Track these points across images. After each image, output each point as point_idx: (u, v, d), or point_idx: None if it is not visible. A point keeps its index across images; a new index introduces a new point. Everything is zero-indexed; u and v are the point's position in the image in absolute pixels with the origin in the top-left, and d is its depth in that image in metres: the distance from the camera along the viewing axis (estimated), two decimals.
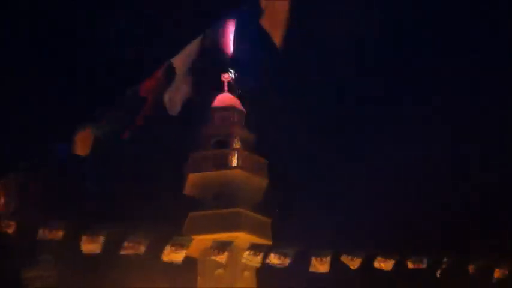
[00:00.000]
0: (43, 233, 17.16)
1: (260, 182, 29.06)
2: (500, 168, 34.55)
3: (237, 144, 29.05)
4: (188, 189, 29.10)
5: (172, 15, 37.54)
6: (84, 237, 17.53)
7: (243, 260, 18.85)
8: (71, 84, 39.12)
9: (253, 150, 29.49)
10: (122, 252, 18.23)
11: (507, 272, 20.62)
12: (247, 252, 19.28)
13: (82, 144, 14.45)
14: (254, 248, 19.17)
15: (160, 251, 18.54)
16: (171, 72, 13.25)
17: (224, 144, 29.21)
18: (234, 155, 28.72)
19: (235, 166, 28.48)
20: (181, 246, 18.55)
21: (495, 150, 36.00)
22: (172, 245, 18.58)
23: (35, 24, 39.36)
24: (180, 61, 13.13)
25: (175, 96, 13.24)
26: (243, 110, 30.41)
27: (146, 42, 38.58)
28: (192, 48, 13.07)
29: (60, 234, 17.44)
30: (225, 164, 28.48)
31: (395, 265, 20.34)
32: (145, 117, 13.73)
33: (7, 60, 34.83)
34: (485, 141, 36.53)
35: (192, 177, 28.73)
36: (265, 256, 18.73)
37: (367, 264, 20.21)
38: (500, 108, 36.55)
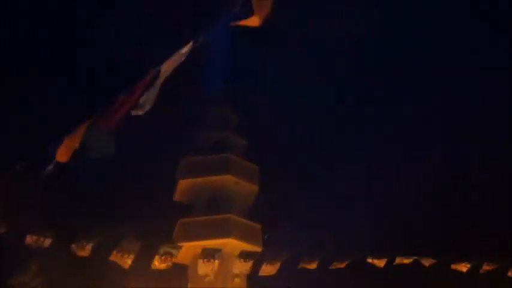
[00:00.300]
0: (31, 239, 17.07)
1: (251, 187, 28.77)
2: (500, 168, 34.48)
3: (228, 149, 28.92)
4: (178, 195, 28.84)
5: (172, 15, 37.53)
6: (73, 245, 17.44)
7: (234, 270, 18.81)
8: (71, 84, 39.17)
9: (244, 155, 29.38)
10: (111, 259, 18.22)
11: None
12: (236, 260, 19.32)
13: (66, 149, 14.09)
14: (244, 255, 19.16)
15: (151, 257, 18.56)
16: (158, 75, 13.14)
17: (216, 149, 29.02)
18: (225, 161, 28.42)
19: (226, 172, 28.15)
20: (170, 254, 18.56)
21: (495, 150, 35.94)
22: (161, 254, 18.58)
23: (35, 24, 39.41)
24: (169, 65, 13.02)
25: (149, 97, 13.05)
26: (236, 114, 30.31)
27: (146, 42, 38.59)
28: (182, 52, 12.96)
29: (48, 241, 17.33)
30: (215, 170, 28.15)
31: (387, 264, 20.32)
32: (120, 119, 13.51)
33: (7, 60, 34.88)
34: (485, 141, 36.48)
35: (182, 183, 28.42)
36: (255, 264, 18.76)
37: (358, 264, 20.22)
38: (500, 108, 36.49)
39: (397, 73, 39.74)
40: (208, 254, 19.41)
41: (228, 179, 28.14)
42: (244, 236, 26.73)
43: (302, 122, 36.89)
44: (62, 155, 13.86)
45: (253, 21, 11.22)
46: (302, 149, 37.42)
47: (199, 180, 28.13)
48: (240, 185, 28.32)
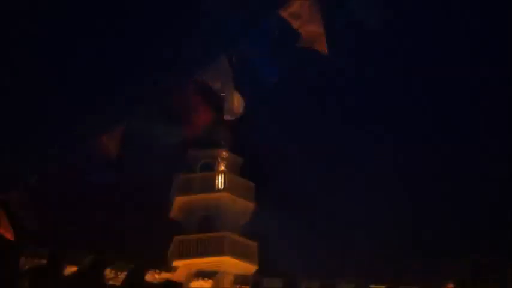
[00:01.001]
0: (25, 260, 16.96)
1: (247, 205, 28.82)
2: (500, 169, 34.40)
3: (223, 167, 28.98)
4: (174, 213, 28.92)
5: (173, 15, 37.46)
6: (67, 266, 17.42)
7: None
8: (70, 84, 39.20)
9: (240, 173, 29.43)
10: (105, 282, 18.28)
11: None
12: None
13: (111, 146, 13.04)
14: (239, 281, 19.23)
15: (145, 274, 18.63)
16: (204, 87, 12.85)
17: (211, 167, 29.04)
18: (221, 178, 28.53)
19: (222, 189, 28.27)
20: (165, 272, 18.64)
21: (495, 150, 35.89)
22: (156, 273, 18.66)
23: (35, 24, 39.32)
24: (213, 76, 12.70)
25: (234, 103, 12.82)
26: (231, 132, 30.21)
27: (148, 43, 38.60)
28: (221, 66, 12.65)
29: (43, 261, 17.24)
30: (211, 187, 28.28)
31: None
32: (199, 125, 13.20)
33: (7, 60, 34.89)
34: (485, 141, 36.44)
35: (178, 200, 28.50)
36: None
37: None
38: (500, 107, 36.45)
39: (397, 72, 39.64)
40: (203, 276, 19.41)
41: (224, 197, 28.24)
42: (240, 254, 26.76)
43: (300, 138, 36.58)
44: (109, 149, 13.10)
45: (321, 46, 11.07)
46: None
47: (195, 197, 28.25)
48: (236, 202, 28.42)
